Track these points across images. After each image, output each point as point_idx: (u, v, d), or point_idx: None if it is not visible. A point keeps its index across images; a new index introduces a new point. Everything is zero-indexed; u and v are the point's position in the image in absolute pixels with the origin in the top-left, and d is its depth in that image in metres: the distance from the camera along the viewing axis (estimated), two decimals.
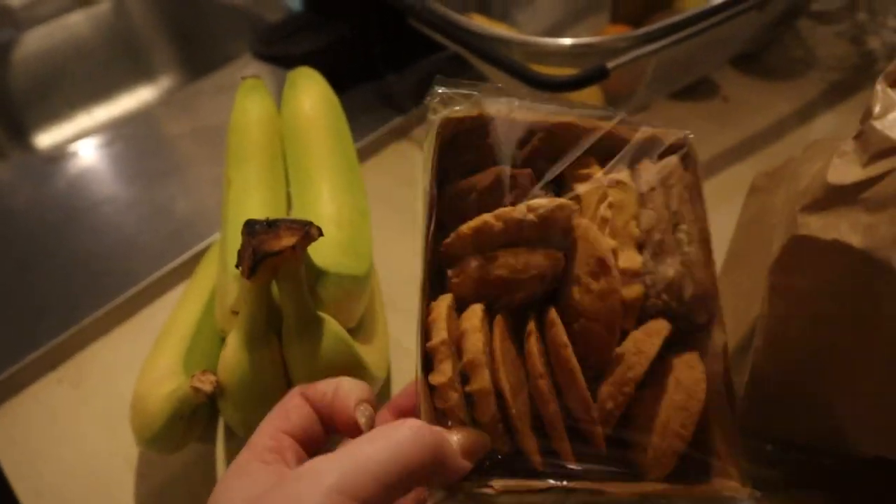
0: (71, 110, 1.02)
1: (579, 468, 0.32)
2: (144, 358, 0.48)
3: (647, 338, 0.33)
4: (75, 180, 0.75)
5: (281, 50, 0.80)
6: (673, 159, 0.37)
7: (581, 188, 0.36)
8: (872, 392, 0.33)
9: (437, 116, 0.37)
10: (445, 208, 0.36)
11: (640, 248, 0.35)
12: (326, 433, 0.33)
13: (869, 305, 0.31)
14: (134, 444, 0.49)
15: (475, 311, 0.33)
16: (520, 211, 0.33)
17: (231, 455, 0.48)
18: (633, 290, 0.34)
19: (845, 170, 0.31)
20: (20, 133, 1.00)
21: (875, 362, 0.32)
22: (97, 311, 0.58)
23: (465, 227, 0.34)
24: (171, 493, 0.48)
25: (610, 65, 0.54)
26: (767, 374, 0.38)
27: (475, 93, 0.37)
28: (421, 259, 0.34)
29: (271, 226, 0.35)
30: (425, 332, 0.33)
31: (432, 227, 0.34)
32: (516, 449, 0.32)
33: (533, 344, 0.32)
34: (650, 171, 0.36)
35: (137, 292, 0.60)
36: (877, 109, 0.31)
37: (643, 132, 0.37)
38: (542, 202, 0.33)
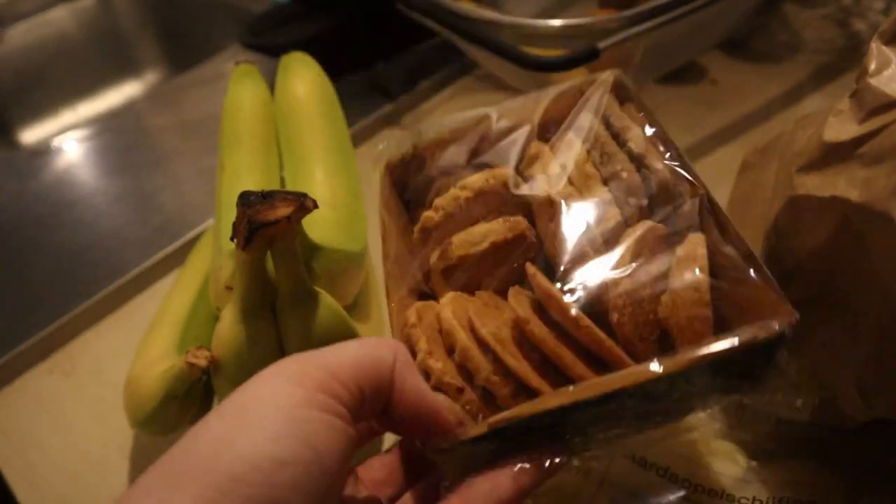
0: (55, 106, 1.01)
1: None
2: (136, 345, 0.48)
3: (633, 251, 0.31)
4: (62, 174, 0.74)
5: (270, 40, 0.79)
6: (607, 98, 0.38)
7: (532, 169, 0.36)
8: (865, 353, 0.33)
9: (379, 164, 0.42)
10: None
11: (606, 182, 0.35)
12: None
13: (865, 262, 0.31)
14: (127, 433, 0.49)
15: (446, 295, 0.33)
16: (452, 193, 0.34)
17: None
18: (609, 216, 0.33)
19: (841, 127, 0.31)
20: (4, 130, 0.99)
21: (869, 322, 0.32)
22: (87, 301, 0.58)
23: (415, 233, 0.35)
24: None
25: (601, 45, 0.54)
26: None
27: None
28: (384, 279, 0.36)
29: (266, 197, 0.35)
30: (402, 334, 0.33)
31: (392, 250, 0.37)
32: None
33: (512, 298, 0.31)
34: (586, 116, 0.37)
35: (126, 282, 0.60)
36: (872, 66, 0.31)
37: (567, 89, 0.39)
38: (474, 177, 0.34)
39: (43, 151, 0.77)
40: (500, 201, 0.34)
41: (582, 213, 0.33)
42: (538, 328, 0.29)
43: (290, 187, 0.49)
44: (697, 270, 0.29)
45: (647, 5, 0.56)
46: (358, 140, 0.71)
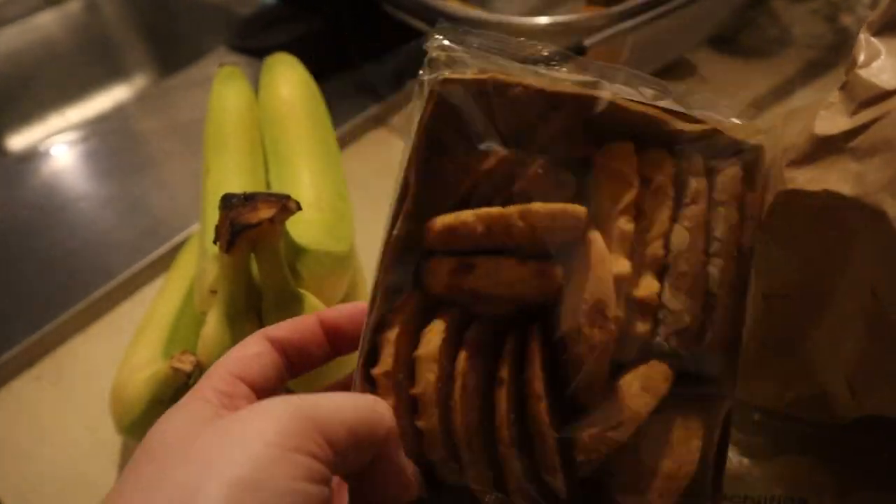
0: (43, 111, 1.00)
1: None
2: (123, 353, 0.47)
3: (643, 393, 0.27)
4: (49, 179, 0.74)
5: (257, 42, 0.79)
6: (732, 169, 0.29)
7: (604, 178, 0.29)
8: (853, 348, 0.33)
9: (432, 76, 0.29)
10: (427, 197, 0.29)
11: (661, 274, 0.28)
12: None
13: (856, 258, 0.31)
14: (116, 440, 0.49)
15: (435, 333, 0.28)
16: (509, 214, 0.27)
17: None
18: (639, 328, 0.28)
19: (832, 120, 0.31)
20: None
21: (857, 317, 0.32)
22: (74, 307, 0.57)
23: (439, 223, 0.28)
24: None
25: (587, 42, 0.54)
26: (752, 341, 0.38)
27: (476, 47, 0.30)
28: (379, 261, 0.29)
29: (249, 199, 0.34)
30: (370, 350, 0.28)
31: (399, 223, 0.29)
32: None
33: (502, 397, 0.27)
34: (699, 178, 0.29)
35: (114, 287, 0.59)
36: (861, 58, 0.31)
37: (701, 124, 0.29)
38: (541, 207, 0.27)
39: (30, 157, 0.77)
40: (550, 236, 0.27)
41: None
42: (508, 441, 0.27)
43: (275, 189, 0.49)
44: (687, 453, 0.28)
45: (633, 1, 0.56)
46: (345, 141, 0.70)
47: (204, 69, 0.87)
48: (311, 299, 0.37)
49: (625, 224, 0.28)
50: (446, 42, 0.31)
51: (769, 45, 0.76)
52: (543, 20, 0.57)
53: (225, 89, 0.53)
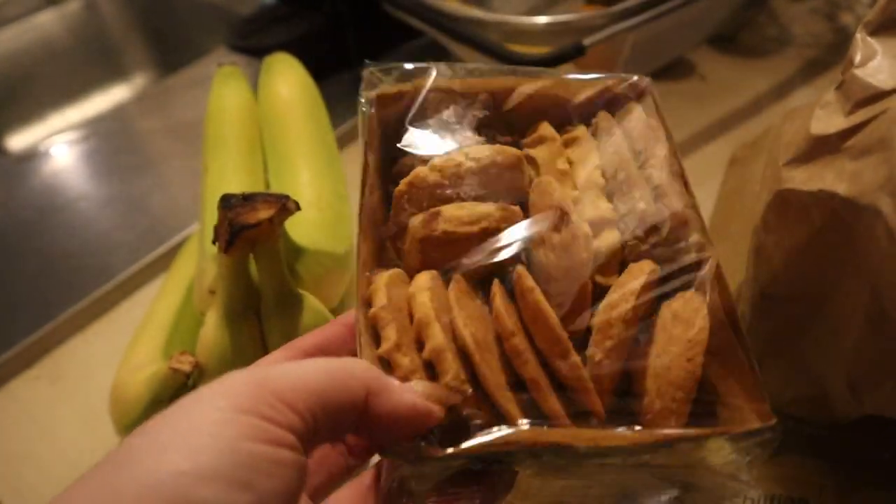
0: (43, 111, 1.00)
1: None
2: (122, 352, 0.47)
3: (630, 277, 0.29)
4: (49, 179, 0.74)
5: (256, 41, 0.79)
6: (632, 105, 0.35)
7: (536, 151, 0.34)
8: (853, 348, 0.33)
9: (370, 94, 0.35)
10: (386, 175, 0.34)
11: (610, 197, 0.32)
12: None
13: (853, 257, 0.30)
14: (115, 439, 0.48)
15: (423, 274, 0.29)
16: (457, 158, 0.30)
17: None
18: (607, 239, 0.30)
19: (828, 120, 0.31)
20: None
21: (857, 318, 0.32)
22: (73, 307, 0.57)
23: (401, 184, 0.31)
24: None
25: (586, 42, 0.54)
26: (753, 340, 0.38)
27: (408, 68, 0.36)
28: (357, 228, 0.31)
29: (248, 199, 0.34)
30: (366, 304, 0.29)
31: (368, 195, 0.32)
32: (498, 415, 0.27)
33: (499, 302, 0.28)
34: (608, 121, 0.34)
35: (113, 287, 0.59)
36: (857, 58, 0.31)
37: (594, 84, 0.35)
38: (483, 148, 0.31)
39: (30, 156, 0.77)
40: (499, 182, 0.31)
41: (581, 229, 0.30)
42: (523, 346, 0.27)
43: (274, 189, 0.49)
44: (695, 356, 0.28)
45: (633, 1, 0.56)
46: (345, 141, 0.70)
47: (204, 69, 0.87)
48: (310, 299, 0.37)
49: (561, 164, 0.33)
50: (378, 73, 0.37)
51: (769, 45, 0.76)
52: (542, 20, 0.57)
53: (224, 89, 0.53)
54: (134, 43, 1.09)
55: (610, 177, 0.33)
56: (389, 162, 0.34)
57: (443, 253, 0.30)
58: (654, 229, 0.30)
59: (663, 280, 0.29)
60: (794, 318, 0.36)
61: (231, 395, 0.22)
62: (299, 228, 0.42)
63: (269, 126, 0.51)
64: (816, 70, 0.71)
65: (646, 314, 0.29)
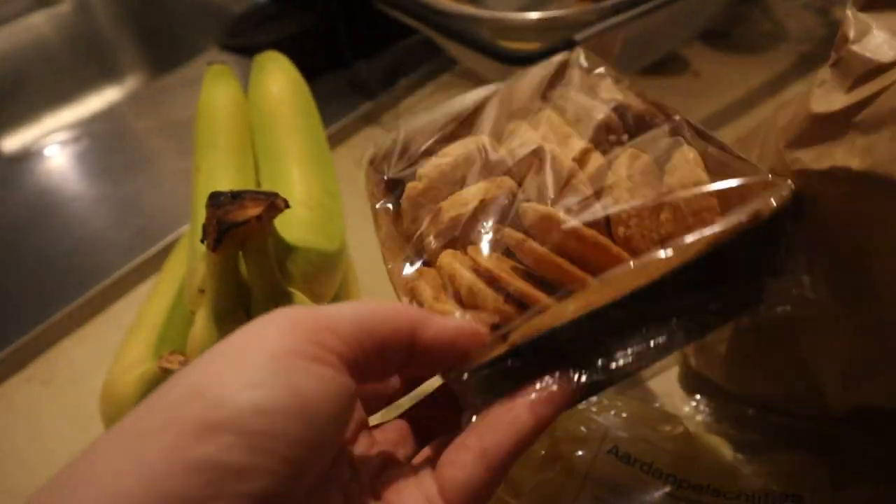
0: (36, 112, 1.00)
1: None
2: (114, 353, 0.47)
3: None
4: (42, 179, 0.74)
5: (249, 40, 0.79)
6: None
7: (509, 140, 0.37)
8: (847, 338, 0.32)
9: (364, 161, 0.42)
10: None
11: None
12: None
13: (865, 236, 0.30)
14: None
15: (443, 253, 0.32)
16: (433, 161, 0.35)
17: None
18: (594, 161, 0.34)
19: (828, 97, 0.30)
20: None
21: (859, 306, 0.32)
22: (65, 308, 0.57)
23: (402, 202, 0.36)
24: None
25: (577, 37, 0.54)
26: (747, 335, 0.37)
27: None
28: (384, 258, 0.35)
29: (236, 197, 0.34)
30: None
31: (380, 230, 0.36)
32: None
33: (507, 231, 0.30)
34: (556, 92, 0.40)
35: (106, 287, 0.59)
36: (852, 34, 0.30)
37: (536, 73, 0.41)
38: (452, 145, 0.36)
39: (24, 157, 0.77)
40: (481, 167, 0.34)
41: (569, 162, 0.33)
42: (537, 245, 0.28)
43: (265, 187, 0.48)
44: (695, 170, 0.31)
45: None
46: (338, 140, 0.70)
47: (196, 69, 0.87)
48: (300, 298, 0.37)
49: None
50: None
51: (762, 40, 0.76)
52: (534, 16, 0.57)
53: (214, 88, 0.52)
54: (126, 43, 1.08)
55: (572, 121, 0.37)
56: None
57: (460, 238, 0.32)
58: (619, 129, 0.35)
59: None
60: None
61: (278, 322, 0.24)
62: (289, 226, 0.42)
63: (260, 125, 0.51)
64: (810, 65, 0.71)
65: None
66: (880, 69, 0.29)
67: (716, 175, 0.31)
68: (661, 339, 0.28)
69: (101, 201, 0.70)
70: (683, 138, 0.33)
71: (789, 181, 0.29)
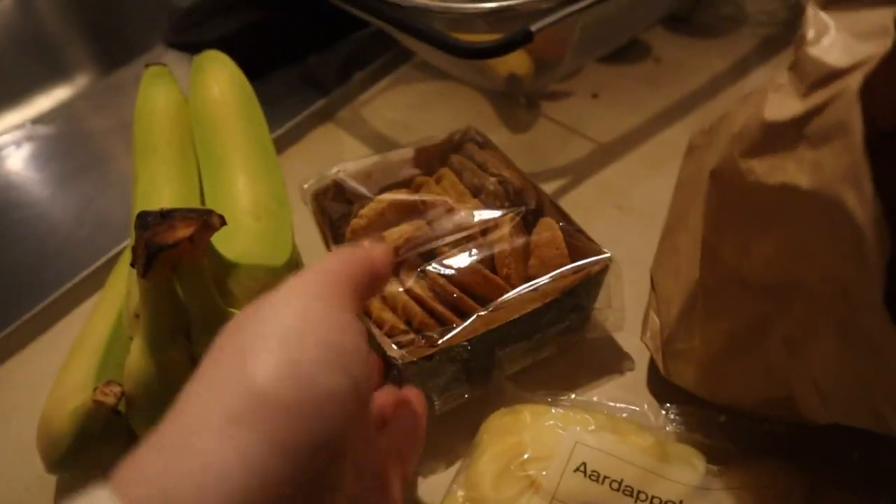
0: None
1: None
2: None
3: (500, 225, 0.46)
4: None
5: (194, 36, 0.75)
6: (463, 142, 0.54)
7: (420, 192, 0.50)
8: (823, 353, 0.30)
9: (307, 195, 0.51)
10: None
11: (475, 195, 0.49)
12: None
13: (825, 252, 0.28)
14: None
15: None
16: (371, 205, 0.47)
17: None
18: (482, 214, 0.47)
19: (782, 104, 0.28)
20: None
21: (828, 318, 0.30)
22: (7, 328, 0.54)
23: (346, 234, 0.48)
24: None
25: (534, 27, 0.51)
26: (713, 340, 0.36)
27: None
28: None
29: (165, 217, 0.32)
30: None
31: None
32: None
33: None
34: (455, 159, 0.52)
35: (50, 303, 0.56)
36: (810, 35, 0.28)
37: (431, 143, 0.54)
38: (385, 195, 0.49)
39: None
40: (404, 211, 0.47)
41: (465, 215, 0.47)
42: (446, 282, 0.43)
43: (208, 195, 0.46)
44: (553, 232, 0.44)
45: None
46: (290, 139, 0.67)
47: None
48: None
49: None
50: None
51: (724, 24, 0.74)
52: (488, 6, 0.55)
53: (152, 91, 0.49)
54: (72, 39, 1.04)
55: (469, 183, 0.50)
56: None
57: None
58: (503, 198, 0.48)
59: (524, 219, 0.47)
60: (761, 314, 0.33)
61: (314, 293, 0.27)
62: (235, 239, 0.39)
63: (201, 128, 0.48)
64: (773, 48, 0.70)
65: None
66: (834, 75, 0.27)
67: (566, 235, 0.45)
68: (526, 345, 0.44)
69: (48, 209, 0.66)
70: (545, 208, 0.47)
71: (608, 253, 0.43)
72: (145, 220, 0.31)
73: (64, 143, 0.75)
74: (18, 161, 0.73)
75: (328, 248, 0.47)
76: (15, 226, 0.64)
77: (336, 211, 0.50)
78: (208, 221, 0.32)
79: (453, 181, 0.50)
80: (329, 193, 0.51)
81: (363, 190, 0.50)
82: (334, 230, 0.49)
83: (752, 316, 0.33)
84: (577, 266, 0.42)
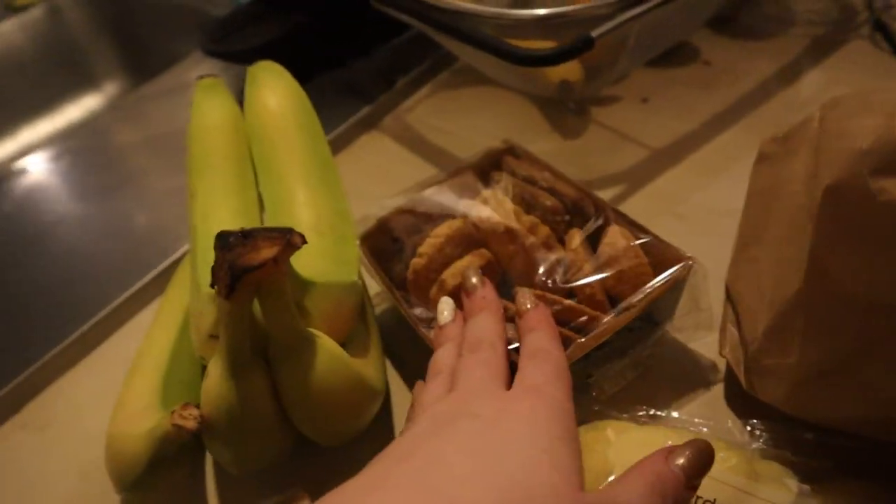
0: (12, 125, 0.95)
1: None
2: (115, 392, 0.43)
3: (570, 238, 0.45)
4: (22, 202, 0.70)
5: (233, 45, 0.74)
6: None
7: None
8: None
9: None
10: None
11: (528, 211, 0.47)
12: None
13: None
14: (111, 488, 0.45)
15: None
16: (429, 241, 0.45)
17: (224, 488, 0.43)
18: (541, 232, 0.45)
19: None
20: None
21: None
22: (57, 346, 0.53)
23: (409, 276, 0.45)
24: None
25: (595, 34, 0.50)
26: (811, 356, 0.34)
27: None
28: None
29: (247, 237, 0.31)
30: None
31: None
32: None
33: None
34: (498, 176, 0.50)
35: (99, 321, 0.55)
36: None
37: (464, 165, 0.52)
38: (440, 228, 0.46)
39: (2, 176, 0.72)
40: (463, 242, 0.45)
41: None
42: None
43: (269, 210, 0.45)
44: (630, 243, 0.43)
45: None
46: (336, 147, 0.66)
47: (178, 76, 0.83)
48: (323, 340, 0.34)
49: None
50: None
51: (771, 24, 0.72)
52: (542, 12, 0.54)
53: (206, 104, 0.49)
54: (102, 49, 1.04)
55: (515, 200, 0.47)
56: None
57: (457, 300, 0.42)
58: (562, 213, 0.46)
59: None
60: (872, 334, 0.32)
61: None
62: (301, 256, 0.38)
63: (259, 142, 0.47)
64: (824, 49, 0.68)
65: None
66: None
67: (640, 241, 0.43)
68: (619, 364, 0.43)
69: (87, 224, 0.66)
70: (609, 217, 0.45)
71: (691, 257, 0.41)
72: (227, 241, 0.31)
73: (97, 156, 0.74)
74: (57, 175, 0.72)
75: (391, 292, 0.45)
76: (59, 241, 0.64)
77: (385, 251, 0.49)
78: (291, 241, 0.31)
79: (500, 200, 0.48)
80: (374, 234, 0.49)
81: (410, 227, 0.48)
82: (388, 272, 0.47)
83: (859, 337, 0.32)
84: (666, 277, 0.41)
